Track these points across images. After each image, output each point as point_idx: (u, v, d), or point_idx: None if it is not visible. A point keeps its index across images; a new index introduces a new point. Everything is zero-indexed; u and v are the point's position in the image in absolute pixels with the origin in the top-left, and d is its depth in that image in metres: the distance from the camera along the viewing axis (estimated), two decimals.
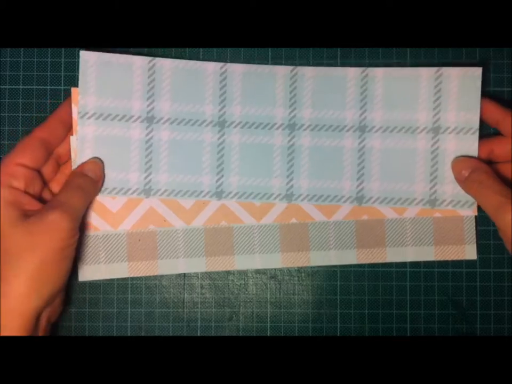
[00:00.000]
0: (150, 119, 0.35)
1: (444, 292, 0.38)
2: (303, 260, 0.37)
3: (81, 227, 0.36)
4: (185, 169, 0.36)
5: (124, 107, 0.35)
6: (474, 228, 0.36)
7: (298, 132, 0.35)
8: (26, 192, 0.34)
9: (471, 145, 0.35)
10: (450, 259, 0.37)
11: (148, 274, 0.37)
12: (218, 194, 0.36)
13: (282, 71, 0.36)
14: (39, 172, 0.35)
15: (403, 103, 0.35)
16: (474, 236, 0.36)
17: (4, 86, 0.38)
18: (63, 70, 0.38)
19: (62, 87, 0.38)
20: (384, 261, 0.37)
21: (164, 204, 0.36)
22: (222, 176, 0.36)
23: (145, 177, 0.36)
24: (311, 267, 0.38)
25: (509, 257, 0.37)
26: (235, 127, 0.36)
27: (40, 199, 0.35)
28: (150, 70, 0.35)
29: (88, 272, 0.36)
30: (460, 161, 0.35)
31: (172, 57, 0.38)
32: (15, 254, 0.31)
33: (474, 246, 0.36)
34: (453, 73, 0.35)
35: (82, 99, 0.35)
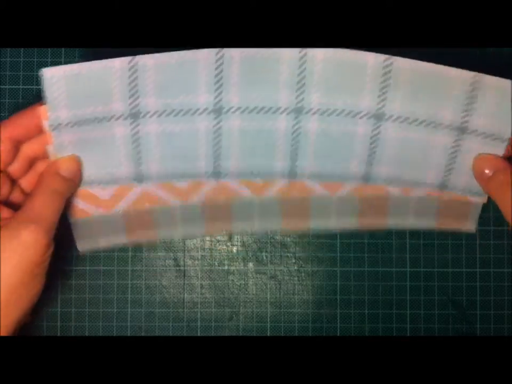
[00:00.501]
0: (134, 115, 0.32)
1: (444, 292, 0.38)
2: (303, 224, 0.36)
3: (73, 213, 0.35)
4: (179, 158, 0.34)
5: (102, 111, 0.32)
6: (480, 209, 0.36)
7: (306, 116, 0.33)
8: None
9: (496, 150, 0.33)
10: (450, 228, 0.37)
11: (146, 239, 0.36)
12: (216, 175, 0.35)
13: (288, 54, 0.32)
14: (5, 171, 0.32)
15: (430, 98, 0.33)
16: (478, 214, 0.36)
17: (4, 86, 0.38)
18: None
19: None
20: (384, 227, 0.37)
21: (157, 188, 0.35)
22: (220, 160, 0.34)
23: (136, 167, 0.34)
24: (311, 267, 0.38)
25: (509, 257, 0.38)
26: (233, 112, 0.33)
27: (8, 201, 0.33)
28: (130, 70, 0.32)
29: (86, 244, 0.36)
30: (483, 159, 0.34)
31: None
32: None
33: (476, 222, 0.36)
34: (489, 82, 0.33)
35: (53, 114, 0.31)
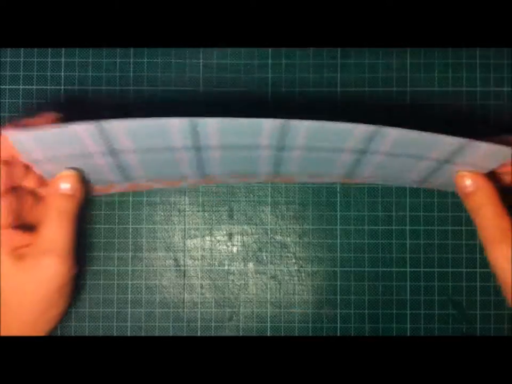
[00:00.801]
0: (113, 152, 0.31)
1: (444, 292, 0.38)
2: (287, 179, 0.37)
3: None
4: (162, 171, 0.34)
5: (77, 151, 0.31)
6: None
7: (288, 151, 0.33)
8: (14, 226, 0.31)
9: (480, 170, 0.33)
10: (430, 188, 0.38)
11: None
12: (202, 176, 0.36)
13: (268, 124, 0.30)
14: (22, 188, 0.32)
15: (418, 146, 0.32)
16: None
17: (4, 86, 0.38)
18: (63, 70, 0.38)
19: (62, 87, 0.38)
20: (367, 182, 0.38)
21: (146, 181, 0.36)
22: (204, 168, 0.35)
23: (122, 175, 0.34)
24: (311, 267, 0.38)
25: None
26: (214, 149, 0.32)
27: (30, 219, 0.33)
28: (99, 132, 0.29)
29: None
30: (465, 175, 0.33)
31: (172, 56, 0.38)
32: (11, 302, 0.31)
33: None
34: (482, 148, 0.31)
35: (26, 156, 0.30)
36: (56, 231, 0.31)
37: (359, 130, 0.30)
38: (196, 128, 0.30)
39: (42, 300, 0.31)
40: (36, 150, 0.30)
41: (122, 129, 0.29)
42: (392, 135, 0.31)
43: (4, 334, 0.31)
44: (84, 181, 0.33)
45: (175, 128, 0.29)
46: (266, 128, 0.30)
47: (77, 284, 0.34)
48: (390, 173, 0.36)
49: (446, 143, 0.31)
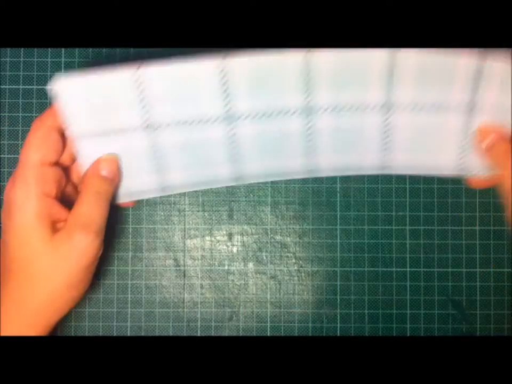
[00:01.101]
0: (149, 127, 0.33)
1: (444, 292, 0.38)
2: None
3: None
4: (199, 164, 0.35)
5: (117, 122, 0.33)
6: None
7: (316, 115, 0.34)
8: (55, 197, 0.32)
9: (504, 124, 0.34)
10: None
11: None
12: (238, 179, 0.35)
13: (292, 58, 0.33)
14: (59, 163, 0.33)
15: (436, 83, 0.34)
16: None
17: (4, 86, 0.38)
18: (63, 70, 0.38)
19: None
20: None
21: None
22: (239, 164, 0.35)
23: (159, 177, 0.35)
24: (311, 267, 0.38)
25: (509, 257, 0.38)
26: (245, 119, 0.34)
27: (63, 195, 0.33)
28: (136, 81, 0.32)
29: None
30: (487, 127, 0.34)
31: (171, 56, 0.38)
32: (39, 274, 0.31)
33: None
34: (497, 65, 0.34)
35: (70, 126, 0.32)
36: (93, 209, 0.32)
37: (379, 56, 0.33)
38: (226, 70, 0.32)
39: (71, 273, 0.31)
40: (78, 109, 0.31)
41: (156, 76, 0.32)
42: (411, 60, 0.33)
43: (21, 310, 0.31)
44: (120, 169, 0.34)
45: (205, 70, 0.32)
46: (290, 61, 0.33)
47: (96, 271, 0.34)
48: (422, 157, 0.35)
49: (463, 64, 0.34)
